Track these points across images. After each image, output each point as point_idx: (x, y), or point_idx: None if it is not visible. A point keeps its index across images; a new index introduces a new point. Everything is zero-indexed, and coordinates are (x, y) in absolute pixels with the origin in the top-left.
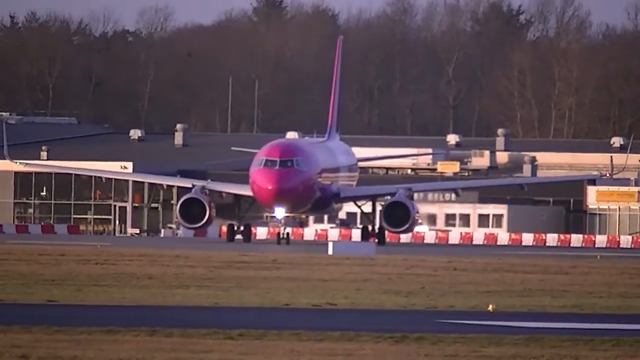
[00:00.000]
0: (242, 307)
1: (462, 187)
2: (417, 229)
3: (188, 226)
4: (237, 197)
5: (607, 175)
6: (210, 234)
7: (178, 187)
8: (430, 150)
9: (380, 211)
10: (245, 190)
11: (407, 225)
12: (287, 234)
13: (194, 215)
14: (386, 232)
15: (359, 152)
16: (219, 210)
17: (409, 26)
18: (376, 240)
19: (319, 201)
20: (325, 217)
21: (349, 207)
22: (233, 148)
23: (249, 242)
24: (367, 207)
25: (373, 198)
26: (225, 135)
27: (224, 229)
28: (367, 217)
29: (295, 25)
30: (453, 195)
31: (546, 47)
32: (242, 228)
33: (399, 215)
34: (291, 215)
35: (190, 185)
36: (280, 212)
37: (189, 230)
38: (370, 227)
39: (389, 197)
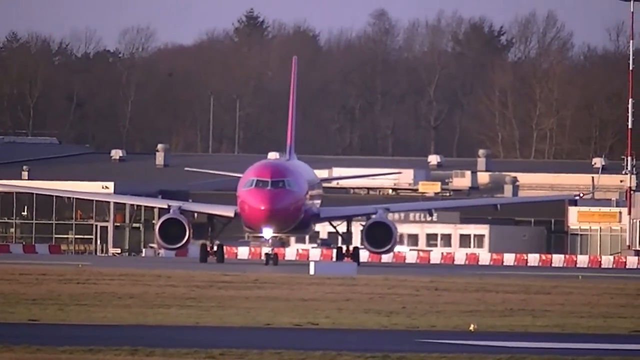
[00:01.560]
0: (224, 327)
1: (438, 207)
2: (398, 248)
3: (168, 247)
4: (210, 217)
5: (581, 195)
6: (192, 253)
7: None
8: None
9: (362, 231)
10: (223, 211)
11: (389, 246)
12: (275, 254)
13: (174, 236)
14: (361, 252)
15: (340, 172)
16: (193, 231)
17: (390, 46)
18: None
19: (302, 221)
20: (307, 237)
21: (331, 227)
22: (187, 169)
23: (222, 263)
24: (342, 227)
25: (350, 218)
26: (207, 155)
27: None
28: (342, 238)
29: (277, 45)
30: (435, 216)
31: (527, 68)
32: (215, 248)
33: (381, 235)
34: (277, 235)
35: (165, 206)
36: (268, 233)
37: (168, 250)
38: (345, 247)
39: (370, 217)
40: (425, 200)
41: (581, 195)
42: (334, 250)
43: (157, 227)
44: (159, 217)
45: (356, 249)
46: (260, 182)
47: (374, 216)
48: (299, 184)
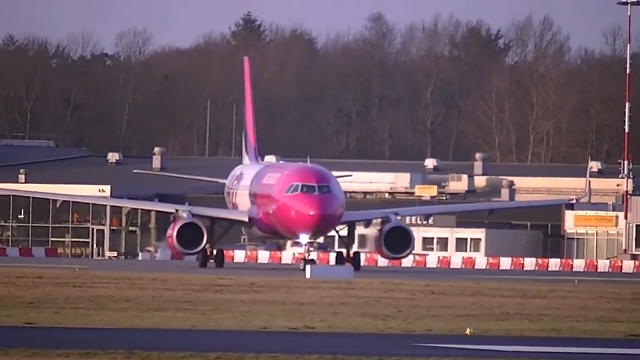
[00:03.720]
0: (220, 330)
1: (447, 212)
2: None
3: (185, 252)
4: (212, 221)
5: (576, 200)
6: (187, 257)
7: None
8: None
9: (378, 237)
10: (237, 215)
11: (408, 251)
12: (313, 259)
13: (191, 240)
14: (379, 259)
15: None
16: None
17: (387, 50)
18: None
19: None
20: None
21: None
22: (135, 171)
23: (221, 267)
24: (343, 232)
25: (368, 223)
26: (203, 158)
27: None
28: (343, 242)
29: (274, 49)
30: (431, 219)
31: (524, 72)
32: (215, 253)
33: (399, 240)
34: (312, 241)
35: (173, 210)
36: (304, 238)
37: (187, 255)
38: (345, 252)
39: (385, 222)
40: (422, 203)
41: (575, 199)
42: (334, 255)
43: (174, 232)
44: (157, 221)
45: (357, 253)
46: (306, 187)
47: (391, 221)
48: (339, 189)
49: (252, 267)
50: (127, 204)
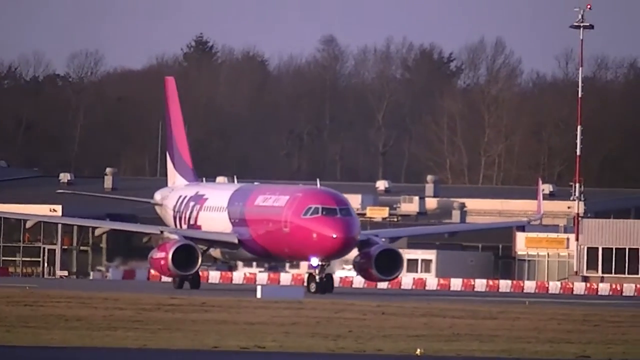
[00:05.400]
0: (170, 350)
1: (424, 233)
2: (344, 273)
3: (181, 274)
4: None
5: (530, 222)
6: (138, 276)
7: (109, 230)
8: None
9: (364, 260)
10: (227, 237)
11: (398, 272)
12: (327, 276)
13: (185, 263)
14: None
15: None
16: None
17: (340, 72)
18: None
19: None
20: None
21: None
22: (58, 191)
23: (197, 289)
24: None
25: None
26: (155, 179)
27: (152, 272)
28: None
29: (226, 70)
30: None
31: (476, 95)
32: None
33: (389, 262)
34: (325, 263)
35: (157, 232)
36: (315, 261)
37: (182, 277)
38: (317, 273)
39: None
40: (373, 225)
41: (531, 220)
42: (305, 276)
43: (169, 254)
44: (107, 241)
45: (329, 275)
46: (326, 209)
47: (377, 244)
48: (354, 212)
49: (226, 287)
50: (108, 225)
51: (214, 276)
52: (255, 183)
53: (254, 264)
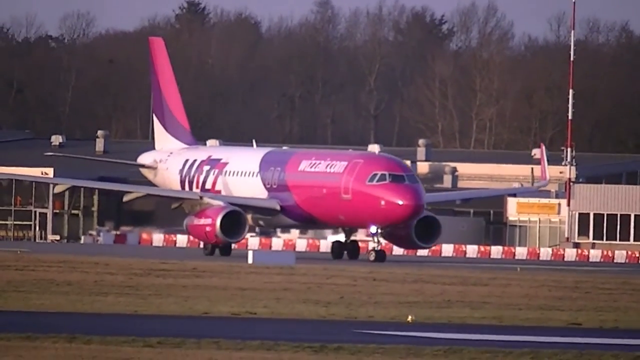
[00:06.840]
0: (161, 315)
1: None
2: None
3: (229, 240)
4: None
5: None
6: (130, 240)
7: (99, 194)
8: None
9: (403, 226)
10: (267, 204)
11: (436, 239)
12: (383, 250)
13: (232, 229)
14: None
15: None
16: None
17: (332, 35)
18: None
19: None
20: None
21: None
22: (46, 154)
23: (228, 256)
24: None
25: None
26: (147, 142)
27: (144, 236)
28: (343, 228)
29: (218, 32)
30: None
31: (468, 58)
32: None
33: (428, 230)
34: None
35: (197, 197)
36: (374, 228)
37: (231, 243)
38: (344, 240)
39: None
40: None
41: (537, 188)
42: (332, 244)
43: (217, 220)
44: (99, 204)
45: (354, 242)
46: (393, 176)
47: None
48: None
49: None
50: (144, 191)
51: (253, 243)
52: (284, 147)
53: (292, 230)
